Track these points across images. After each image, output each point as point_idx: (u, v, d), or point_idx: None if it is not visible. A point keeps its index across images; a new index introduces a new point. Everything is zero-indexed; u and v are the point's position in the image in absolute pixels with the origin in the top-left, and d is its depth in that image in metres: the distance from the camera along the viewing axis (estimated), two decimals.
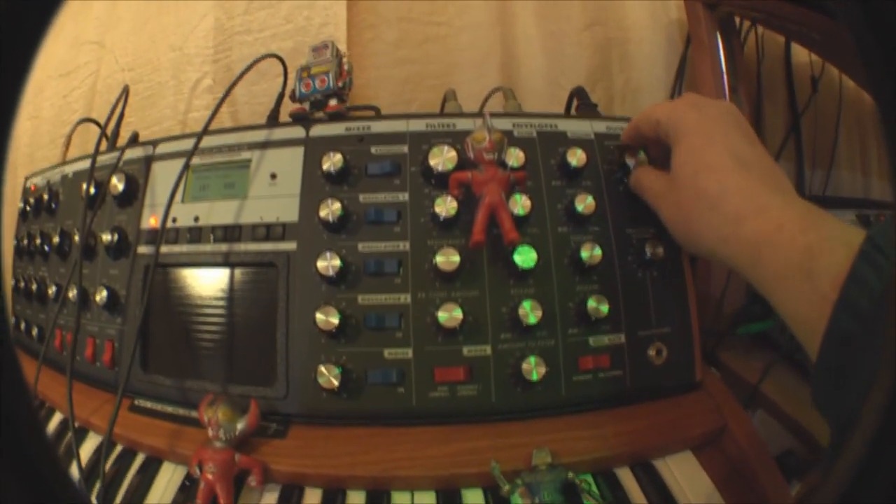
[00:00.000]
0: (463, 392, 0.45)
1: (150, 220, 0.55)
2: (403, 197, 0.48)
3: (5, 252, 0.77)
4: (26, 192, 0.74)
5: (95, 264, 0.57)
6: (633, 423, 0.46)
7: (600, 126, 0.52)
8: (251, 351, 0.50)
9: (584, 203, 0.47)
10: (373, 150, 0.50)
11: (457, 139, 0.48)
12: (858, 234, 0.30)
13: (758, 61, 0.86)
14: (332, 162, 0.48)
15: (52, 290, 0.62)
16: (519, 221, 0.46)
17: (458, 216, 0.46)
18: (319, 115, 0.53)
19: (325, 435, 0.46)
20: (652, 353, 0.48)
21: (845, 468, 0.18)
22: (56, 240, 0.62)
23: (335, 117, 0.52)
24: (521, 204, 0.46)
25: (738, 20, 0.79)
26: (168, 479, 0.46)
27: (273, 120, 0.59)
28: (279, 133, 0.53)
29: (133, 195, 0.57)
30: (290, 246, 0.49)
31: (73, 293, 0.56)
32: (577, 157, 0.49)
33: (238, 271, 0.51)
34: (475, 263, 0.47)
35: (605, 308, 0.46)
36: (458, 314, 0.44)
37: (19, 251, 0.71)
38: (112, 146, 0.65)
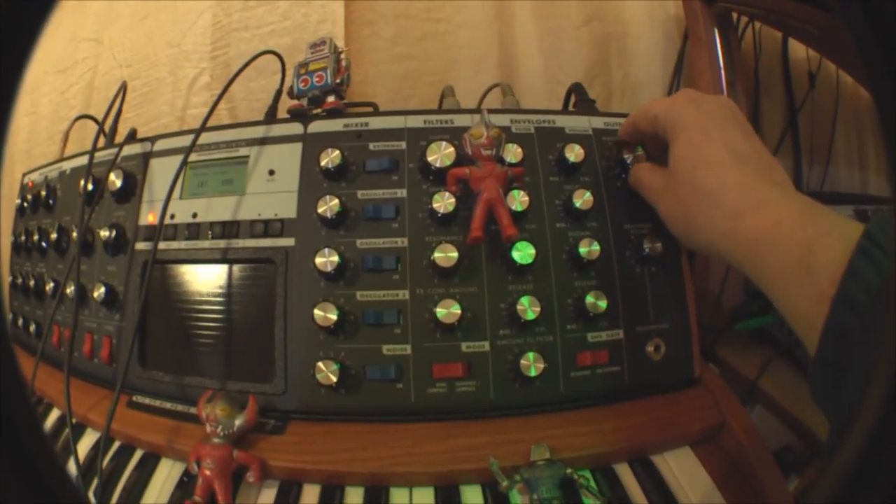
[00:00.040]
0: (461, 388, 0.45)
1: (149, 217, 0.55)
2: (401, 193, 0.48)
3: (3, 248, 0.77)
4: (24, 189, 0.74)
5: (93, 261, 0.57)
6: (631, 418, 0.46)
7: (598, 122, 0.52)
8: (249, 347, 0.50)
9: (582, 199, 0.47)
10: (371, 146, 0.50)
11: (455, 135, 0.48)
12: (857, 228, 0.30)
13: (755, 57, 0.86)
14: (331, 158, 0.48)
15: (49, 286, 0.62)
16: (517, 217, 0.46)
17: (456, 212, 0.46)
18: (317, 111, 0.53)
19: (324, 431, 0.46)
20: (650, 348, 0.48)
21: (842, 464, 0.18)
22: (54, 236, 0.62)
23: (333, 114, 0.52)
24: (519, 200, 0.46)
25: (735, 16, 0.79)
26: (166, 475, 0.46)
27: (271, 116, 0.59)
28: (277, 129, 0.53)
29: (131, 191, 0.57)
30: (288, 242, 0.49)
31: (70, 289, 0.56)
32: (575, 153, 0.49)
33: (236, 268, 0.51)
34: (473, 259, 0.47)
35: (603, 304, 0.46)
36: (456, 310, 0.44)
37: (17, 247, 0.71)
38: (110, 143, 0.65)
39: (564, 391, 0.46)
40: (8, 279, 0.72)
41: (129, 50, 0.85)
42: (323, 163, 0.48)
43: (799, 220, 0.34)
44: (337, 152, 0.48)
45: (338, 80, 0.52)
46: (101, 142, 0.62)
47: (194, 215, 0.52)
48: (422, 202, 0.48)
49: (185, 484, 0.45)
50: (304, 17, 0.75)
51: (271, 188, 0.51)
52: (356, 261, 0.47)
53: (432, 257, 0.45)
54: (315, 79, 0.52)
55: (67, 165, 0.66)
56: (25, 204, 0.70)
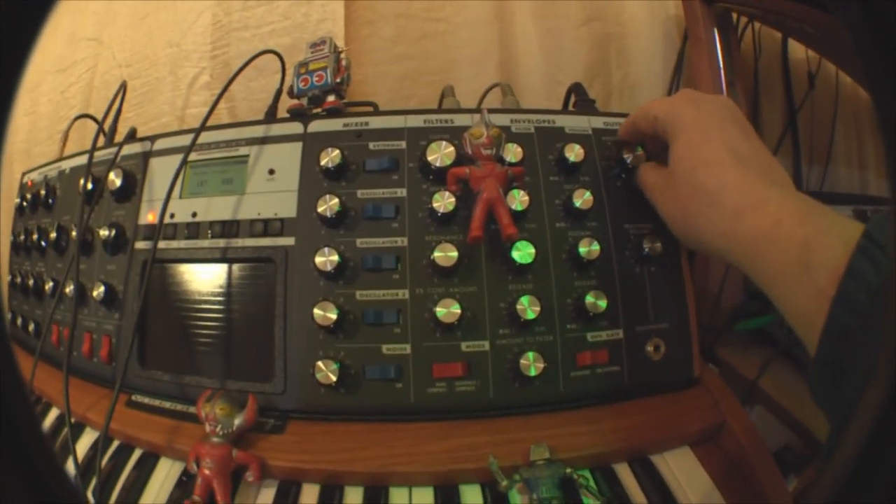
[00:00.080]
0: (461, 388, 0.45)
1: (148, 216, 0.55)
2: (401, 192, 0.48)
3: (2, 248, 0.76)
4: (23, 188, 0.74)
5: (93, 260, 0.57)
6: (631, 418, 0.46)
7: (598, 122, 0.52)
8: (249, 346, 0.49)
9: (582, 198, 0.47)
10: (371, 145, 0.50)
11: (455, 135, 0.48)
12: (856, 227, 0.30)
13: (755, 57, 0.86)
14: (331, 158, 0.48)
15: (49, 285, 0.62)
16: (517, 217, 0.46)
17: (456, 212, 0.46)
18: (317, 110, 0.53)
19: (323, 430, 0.46)
20: (650, 348, 0.48)
21: (841, 464, 0.18)
22: (53, 235, 0.62)
23: (333, 113, 0.52)
24: (519, 199, 0.46)
25: (735, 16, 0.79)
26: (165, 474, 0.46)
27: (271, 116, 0.59)
28: (277, 129, 0.53)
29: (131, 191, 0.56)
30: (288, 241, 0.49)
31: (70, 288, 0.56)
32: (574, 153, 0.49)
33: (236, 267, 0.51)
34: (473, 259, 0.47)
35: (603, 303, 0.46)
36: (456, 310, 0.44)
37: (16, 247, 0.71)
38: (109, 142, 0.65)
39: (564, 391, 0.46)
40: (7, 278, 0.72)
41: (129, 49, 0.85)
42: (323, 162, 0.48)
43: (798, 219, 0.34)
44: (337, 152, 0.48)
45: (338, 80, 0.52)
46: (101, 141, 0.62)
47: (194, 214, 0.52)
48: (422, 202, 0.48)
49: (184, 483, 0.44)
50: (304, 17, 0.75)
51: (271, 187, 0.51)
52: (356, 260, 0.47)
53: (432, 257, 0.45)
54: (315, 78, 0.52)
55: (67, 165, 0.66)
56: (25, 203, 0.70)
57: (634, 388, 0.48)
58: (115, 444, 0.50)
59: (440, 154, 0.47)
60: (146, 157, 0.57)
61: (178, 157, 0.53)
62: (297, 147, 0.51)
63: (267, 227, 0.49)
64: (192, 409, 0.47)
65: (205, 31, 0.79)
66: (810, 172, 0.93)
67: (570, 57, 0.81)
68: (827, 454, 0.32)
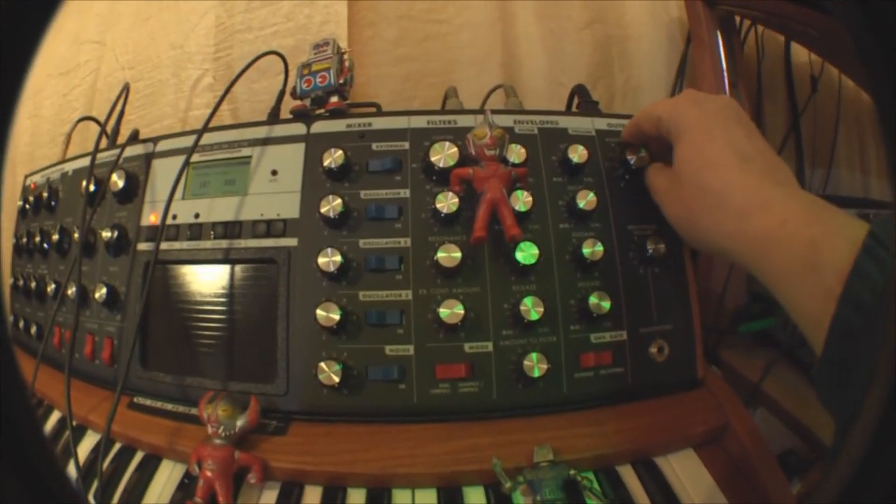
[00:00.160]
0: (464, 389, 0.45)
1: (151, 217, 0.55)
2: (405, 193, 0.48)
3: (4, 250, 0.76)
4: (26, 191, 0.74)
5: (95, 261, 0.57)
6: (634, 420, 0.46)
7: (601, 123, 0.52)
8: (251, 348, 0.49)
9: (586, 199, 0.47)
10: (374, 146, 0.50)
11: (458, 136, 0.48)
12: (862, 226, 0.30)
13: (758, 60, 0.86)
14: (334, 158, 0.48)
15: (51, 287, 0.62)
16: (520, 218, 0.46)
17: (459, 212, 0.46)
18: (320, 111, 0.53)
19: (326, 432, 0.46)
20: (654, 350, 0.48)
21: (845, 466, 0.18)
22: (55, 237, 0.62)
23: (336, 114, 0.52)
24: (522, 200, 0.46)
25: (738, 19, 0.79)
26: (167, 476, 0.46)
27: (274, 117, 0.59)
28: (280, 130, 0.53)
29: (133, 192, 0.56)
30: (290, 242, 0.49)
31: (72, 290, 0.56)
32: (578, 154, 0.48)
33: (238, 268, 0.50)
34: (477, 260, 0.47)
35: (606, 305, 0.46)
36: (459, 310, 0.44)
37: (18, 249, 0.71)
38: (112, 144, 0.65)
39: (568, 392, 0.46)
40: (9, 281, 0.72)
41: (132, 52, 0.85)
42: (326, 163, 0.48)
43: (804, 218, 0.34)
44: (340, 152, 0.48)
45: (341, 81, 0.52)
46: (104, 143, 0.62)
47: (196, 216, 0.52)
48: (425, 202, 0.48)
49: (186, 486, 0.44)
50: (307, 19, 0.75)
51: (274, 188, 0.51)
52: (359, 261, 0.47)
53: (435, 257, 0.45)
54: (318, 79, 0.52)
55: (69, 167, 0.66)
56: (27, 206, 0.70)
57: (638, 389, 0.48)
58: (117, 446, 0.50)
59: (443, 155, 0.47)
60: (149, 158, 0.57)
61: (181, 159, 0.53)
62: (299, 148, 0.51)
63: (270, 227, 0.49)
64: (194, 411, 0.47)
65: (208, 33, 0.79)
66: (813, 175, 0.93)
67: (572, 59, 0.81)
68: (833, 455, 0.31)
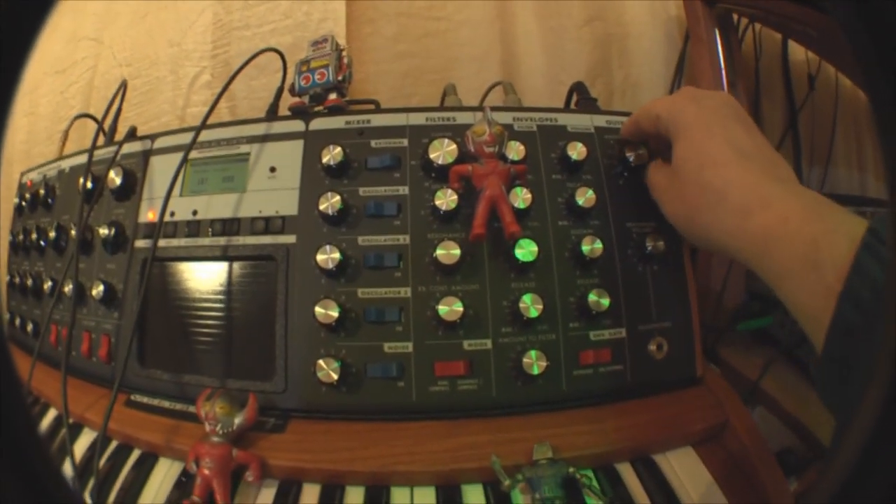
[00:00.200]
0: (463, 386, 0.45)
1: (148, 214, 0.55)
2: (403, 190, 0.48)
3: (1, 248, 0.76)
4: (22, 188, 0.73)
5: (92, 259, 0.57)
6: (633, 417, 0.46)
7: (600, 120, 0.52)
8: (250, 345, 0.49)
9: (585, 196, 0.47)
10: (373, 143, 0.50)
11: (457, 133, 0.48)
12: (861, 223, 0.30)
13: (755, 58, 0.87)
14: (332, 155, 0.48)
15: (47, 284, 0.61)
16: (519, 215, 0.46)
17: (458, 209, 0.46)
18: (319, 108, 0.53)
19: (324, 429, 0.45)
20: (653, 347, 0.48)
21: (842, 465, 0.18)
22: (52, 234, 0.61)
23: (335, 111, 0.52)
24: (521, 197, 0.46)
25: (735, 17, 0.79)
26: (164, 474, 0.46)
27: (272, 114, 0.59)
28: (278, 126, 0.53)
29: (131, 189, 0.56)
30: (289, 239, 0.48)
31: (68, 288, 0.55)
32: (577, 151, 0.48)
33: (237, 265, 0.50)
34: (476, 257, 0.47)
35: (605, 302, 0.46)
36: (458, 308, 0.44)
37: (15, 247, 0.71)
38: (109, 141, 0.65)
39: (567, 390, 0.46)
40: (6, 279, 0.71)
41: (130, 49, 0.85)
42: (325, 160, 0.48)
43: (804, 216, 0.34)
44: (339, 149, 0.48)
45: (339, 78, 0.52)
46: (101, 140, 0.62)
47: (194, 212, 0.52)
48: (424, 199, 0.48)
49: (183, 484, 0.44)
50: (306, 16, 0.75)
51: (272, 185, 0.50)
52: (358, 258, 0.47)
53: (434, 254, 0.45)
54: (317, 76, 0.52)
55: (66, 164, 0.66)
56: (24, 203, 0.70)
57: (637, 387, 0.47)
58: (114, 444, 0.49)
59: (442, 151, 0.46)
60: (146, 155, 0.57)
61: (179, 156, 0.53)
62: (298, 145, 0.51)
63: (268, 224, 0.49)
64: (191, 409, 0.46)
65: (206, 31, 0.79)
66: (811, 174, 0.93)
67: (571, 57, 0.81)
68: (832, 453, 0.31)
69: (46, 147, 0.87)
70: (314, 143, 0.50)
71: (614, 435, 0.45)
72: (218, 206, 0.52)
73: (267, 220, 0.49)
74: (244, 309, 0.50)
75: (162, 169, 0.55)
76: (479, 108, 0.51)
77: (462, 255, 0.45)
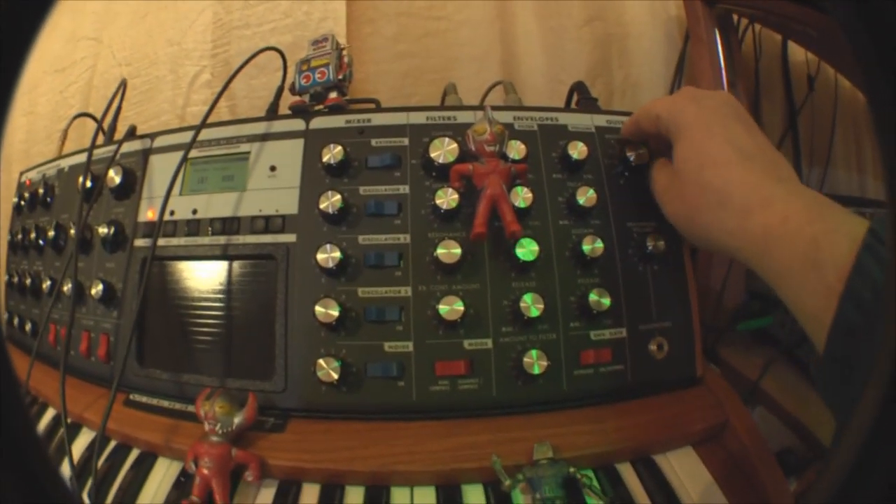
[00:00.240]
0: (464, 386, 0.45)
1: (148, 213, 0.54)
2: (404, 189, 0.48)
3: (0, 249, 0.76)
4: (21, 187, 0.73)
5: (91, 258, 0.57)
6: (634, 417, 0.46)
7: (601, 120, 0.52)
8: (249, 344, 0.49)
9: (586, 196, 0.47)
10: (373, 142, 0.50)
11: (457, 132, 0.48)
12: (862, 223, 0.30)
13: (755, 59, 0.87)
14: (333, 154, 0.48)
15: (46, 284, 0.61)
16: (520, 214, 0.46)
17: (459, 208, 0.46)
18: (319, 107, 0.53)
19: (324, 429, 0.45)
20: (653, 347, 0.48)
21: (841, 465, 0.18)
22: (51, 234, 0.61)
23: (335, 110, 0.52)
24: (522, 196, 0.46)
25: (735, 18, 0.79)
26: (163, 474, 0.46)
27: (272, 113, 0.59)
28: (279, 125, 0.52)
29: (130, 188, 0.56)
30: (289, 238, 0.48)
31: (67, 287, 0.55)
32: (578, 150, 0.48)
33: (236, 264, 0.50)
34: (476, 256, 0.46)
35: (606, 302, 0.46)
36: (459, 307, 0.44)
37: (14, 246, 0.70)
38: (109, 140, 0.65)
39: (567, 389, 0.46)
40: (4, 278, 0.71)
41: (129, 48, 0.85)
42: (325, 158, 0.48)
43: (806, 215, 0.34)
44: (339, 148, 0.48)
45: (340, 77, 0.52)
46: (101, 139, 0.62)
47: (194, 211, 0.52)
48: (424, 198, 0.47)
49: (182, 484, 0.44)
50: (306, 15, 0.75)
51: (272, 184, 0.50)
52: (358, 257, 0.47)
53: (435, 253, 0.45)
54: (317, 75, 0.52)
55: (66, 163, 0.66)
56: (23, 202, 0.70)
57: (638, 386, 0.47)
58: (112, 444, 0.49)
59: (443, 151, 0.46)
60: (146, 154, 0.57)
61: (179, 155, 0.53)
62: (298, 143, 0.51)
63: (268, 223, 0.49)
64: (190, 408, 0.46)
65: (205, 30, 0.79)
66: (810, 174, 0.93)
67: (572, 56, 0.81)
68: (832, 454, 0.31)
69: (46, 146, 0.87)
70: (314, 141, 0.50)
71: (615, 435, 0.44)
72: (218, 204, 0.51)
73: (267, 218, 0.49)
74: (244, 308, 0.49)
75: (162, 168, 0.55)
76: (480, 107, 0.51)
77: (463, 255, 0.44)
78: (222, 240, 0.50)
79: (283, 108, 0.56)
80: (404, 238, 0.47)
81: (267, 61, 0.66)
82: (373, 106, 0.55)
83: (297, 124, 0.52)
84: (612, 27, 0.83)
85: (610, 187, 0.50)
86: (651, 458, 0.45)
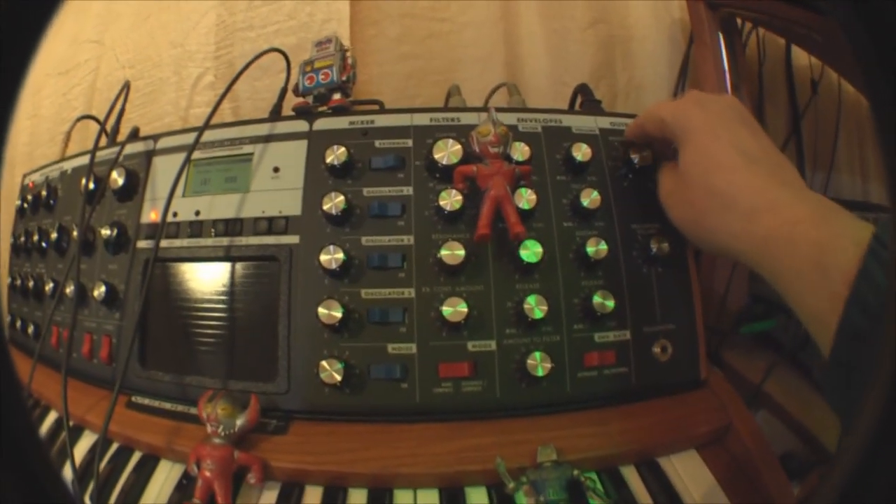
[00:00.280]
0: (467, 388, 0.45)
1: (151, 215, 0.54)
2: (408, 191, 0.48)
3: (2, 250, 0.76)
4: (24, 190, 0.73)
5: (94, 259, 0.57)
6: (638, 420, 0.46)
7: (605, 122, 0.52)
8: (252, 346, 0.49)
9: (590, 198, 0.47)
10: (377, 143, 0.50)
11: (461, 133, 0.48)
12: (867, 228, 0.31)
13: (759, 63, 0.87)
14: (336, 155, 0.48)
15: (49, 286, 0.61)
16: (524, 216, 0.46)
17: (462, 210, 0.46)
18: (323, 108, 0.53)
19: (327, 431, 0.45)
20: (657, 350, 0.48)
21: (844, 468, 0.17)
22: (54, 236, 0.61)
23: (339, 111, 0.52)
24: (526, 198, 0.45)
25: (739, 21, 0.79)
26: (165, 476, 0.45)
27: (276, 114, 0.59)
28: (282, 127, 0.52)
29: (133, 190, 0.56)
30: (292, 239, 0.48)
31: (70, 289, 0.55)
32: (582, 152, 0.48)
33: (239, 266, 0.50)
34: (480, 257, 0.46)
35: (610, 304, 0.45)
36: (462, 309, 0.43)
37: (16, 249, 0.70)
38: (112, 142, 0.65)
39: (571, 392, 0.45)
40: (7, 281, 0.71)
41: (132, 50, 0.85)
42: (328, 160, 0.48)
43: (812, 220, 0.34)
44: (343, 149, 0.48)
45: (344, 78, 0.52)
46: (104, 141, 0.62)
47: (197, 213, 0.52)
48: (428, 200, 0.47)
49: (185, 486, 0.44)
50: (309, 17, 0.75)
51: (276, 185, 0.50)
52: (361, 258, 0.47)
53: (439, 255, 0.44)
54: (321, 76, 0.52)
55: (69, 165, 0.66)
56: (25, 205, 0.70)
57: (641, 389, 0.47)
58: (115, 446, 0.49)
59: (447, 152, 0.46)
60: (149, 155, 0.57)
61: (182, 156, 0.53)
62: (302, 145, 0.51)
63: (271, 225, 0.49)
64: (193, 410, 0.46)
65: (209, 32, 0.79)
66: (814, 178, 0.93)
67: (575, 58, 0.81)
68: (837, 457, 0.31)
69: (49, 148, 0.87)
70: (318, 143, 0.50)
71: (619, 437, 0.44)
72: (221, 206, 0.51)
73: (270, 220, 0.49)
74: (247, 310, 0.49)
75: (164, 169, 0.55)
76: (484, 108, 0.51)
77: (466, 256, 0.44)
78: (225, 241, 0.50)
79: (287, 110, 0.56)
80: (408, 239, 0.47)
81: (270, 63, 0.67)
82: (376, 107, 0.56)
83: (301, 126, 0.52)
84: (615, 29, 0.83)
85: (614, 189, 0.49)
86: (655, 460, 0.45)
